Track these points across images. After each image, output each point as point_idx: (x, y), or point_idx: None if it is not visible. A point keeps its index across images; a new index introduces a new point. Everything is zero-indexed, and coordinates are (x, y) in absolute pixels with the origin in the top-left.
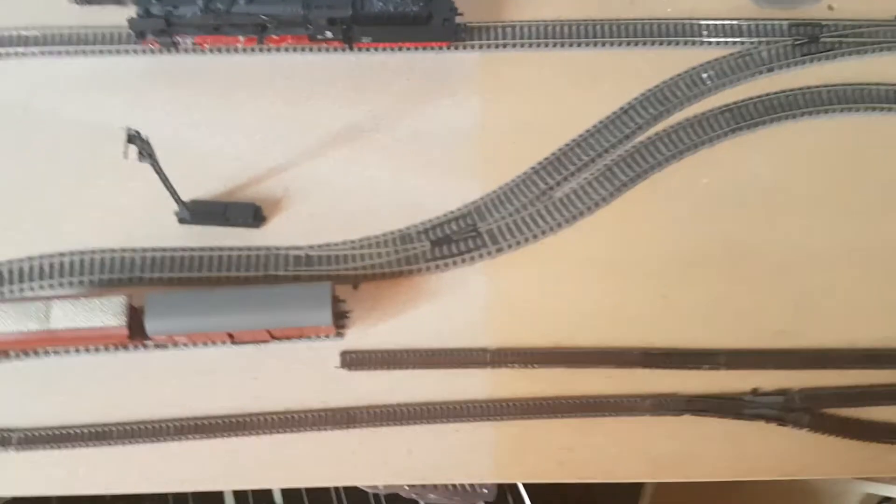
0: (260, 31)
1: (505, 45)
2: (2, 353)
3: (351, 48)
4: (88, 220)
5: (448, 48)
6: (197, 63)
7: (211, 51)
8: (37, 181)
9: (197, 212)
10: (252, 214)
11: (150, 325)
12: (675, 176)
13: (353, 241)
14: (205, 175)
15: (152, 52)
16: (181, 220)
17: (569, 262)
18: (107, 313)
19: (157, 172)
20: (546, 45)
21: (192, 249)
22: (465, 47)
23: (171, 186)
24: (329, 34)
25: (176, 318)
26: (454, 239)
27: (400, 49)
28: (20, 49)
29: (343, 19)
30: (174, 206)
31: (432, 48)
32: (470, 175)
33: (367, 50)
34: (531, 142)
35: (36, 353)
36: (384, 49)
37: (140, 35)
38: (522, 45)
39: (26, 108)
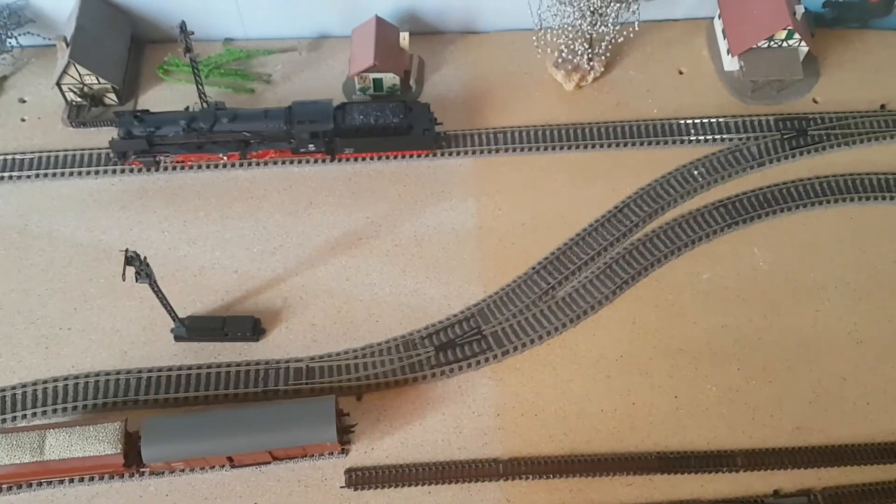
0: (243, 147)
1: (497, 150)
2: None
3: (333, 159)
4: (84, 342)
5: (433, 155)
6: (193, 179)
7: (207, 167)
8: (32, 305)
9: (194, 328)
10: (251, 328)
11: (147, 453)
12: (675, 272)
13: (355, 350)
14: (203, 289)
15: (145, 170)
16: (178, 338)
17: (577, 362)
18: (102, 441)
19: (155, 292)
20: (538, 149)
21: (189, 368)
22: (458, 153)
23: (169, 304)
24: (312, 147)
25: (173, 445)
26: (458, 343)
27: (395, 157)
28: (15, 173)
29: (326, 132)
30: (171, 323)
31: (426, 155)
32: (471, 277)
33: (363, 159)
34: (530, 242)
35: (29, 485)
36: (379, 158)
37: (122, 156)
38: (514, 150)
39: (22, 232)
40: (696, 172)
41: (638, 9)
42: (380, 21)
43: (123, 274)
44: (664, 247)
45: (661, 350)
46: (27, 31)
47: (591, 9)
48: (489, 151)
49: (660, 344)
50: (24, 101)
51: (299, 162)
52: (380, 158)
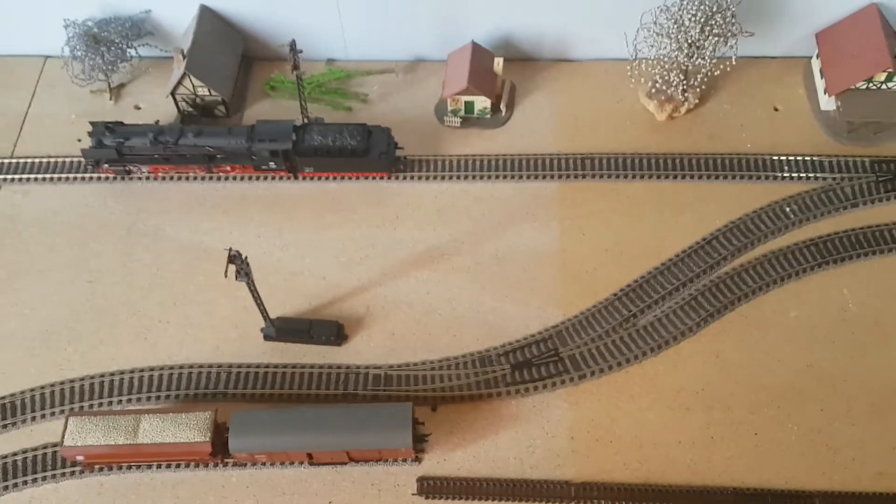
0: (208, 161)
1: (584, 175)
2: (87, 466)
3: (296, 177)
4: (180, 335)
5: (520, 178)
6: (289, 189)
7: (304, 179)
8: (134, 298)
9: (282, 329)
10: (335, 332)
11: (234, 443)
12: (762, 308)
13: (432, 362)
14: (292, 293)
15: (251, 178)
16: (267, 337)
17: (655, 392)
18: (192, 429)
19: (252, 291)
20: (626, 176)
21: (276, 366)
22: (544, 176)
23: (262, 304)
24: (273, 164)
25: (258, 437)
26: (535, 363)
27: (480, 178)
28: (132, 170)
29: (285, 151)
30: (260, 323)
31: (512, 177)
32: (551, 299)
33: (449, 178)
34: (612, 269)
35: (119, 467)
36: (466, 178)
37: (94, 164)
38: (602, 176)
39: (130, 230)
40: (788, 209)
41: (736, 43)
42: (476, 46)
43: (226, 271)
44: (752, 282)
45: (743, 386)
46: (146, 42)
47: (689, 41)
48: (575, 176)
49: (743, 379)
50: (139, 108)
51: (388, 178)
52: (466, 178)
